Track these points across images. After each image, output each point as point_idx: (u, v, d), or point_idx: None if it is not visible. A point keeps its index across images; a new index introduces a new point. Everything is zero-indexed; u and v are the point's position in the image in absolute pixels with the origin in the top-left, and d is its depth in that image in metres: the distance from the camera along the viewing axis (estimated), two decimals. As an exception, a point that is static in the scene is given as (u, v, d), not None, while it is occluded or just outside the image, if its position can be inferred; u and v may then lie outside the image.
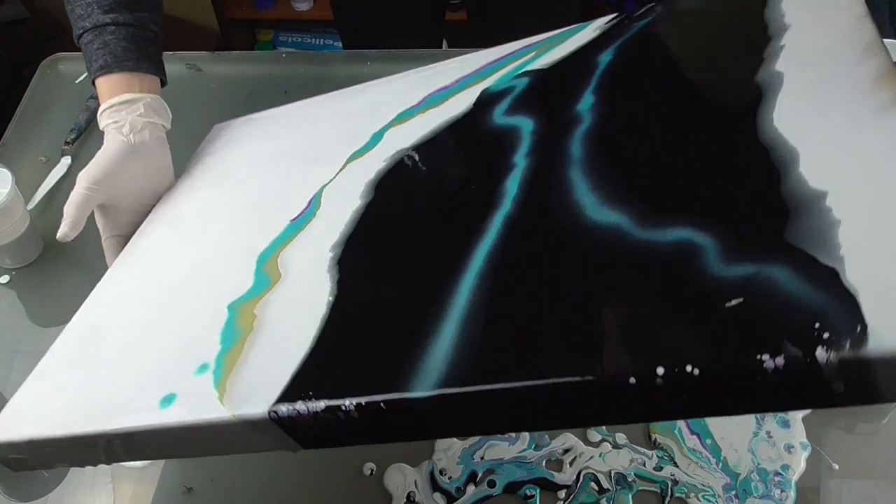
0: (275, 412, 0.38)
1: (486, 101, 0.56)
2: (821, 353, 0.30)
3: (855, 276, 0.32)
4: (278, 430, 0.39)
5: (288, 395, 0.39)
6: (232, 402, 0.40)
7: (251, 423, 0.39)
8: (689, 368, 0.32)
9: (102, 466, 0.60)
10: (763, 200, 0.38)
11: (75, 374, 0.48)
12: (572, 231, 0.41)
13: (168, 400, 0.42)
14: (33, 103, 0.91)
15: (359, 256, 0.47)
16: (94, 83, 0.65)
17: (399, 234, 0.48)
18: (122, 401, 0.44)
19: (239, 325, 0.45)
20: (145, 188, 0.64)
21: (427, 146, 0.54)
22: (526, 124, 0.51)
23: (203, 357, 0.43)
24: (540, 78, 0.55)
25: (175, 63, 0.93)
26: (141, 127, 0.63)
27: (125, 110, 0.63)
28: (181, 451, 0.43)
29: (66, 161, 0.84)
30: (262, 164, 0.63)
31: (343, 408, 0.37)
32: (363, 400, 0.37)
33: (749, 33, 0.48)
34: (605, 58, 0.53)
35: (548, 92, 0.54)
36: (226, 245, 0.54)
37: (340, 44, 1.10)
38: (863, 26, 0.42)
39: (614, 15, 0.57)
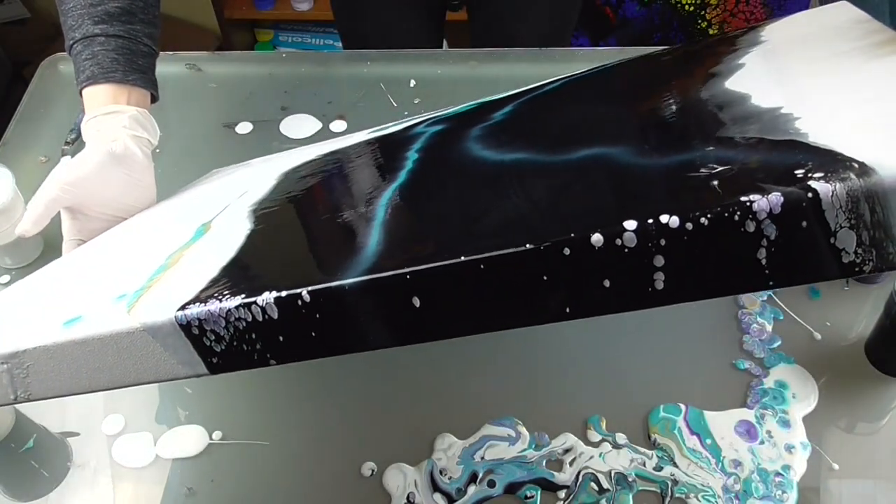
0: (183, 315, 0.34)
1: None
2: (821, 186, 0.25)
3: (823, 139, 0.27)
4: (185, 341, 0.35)
5: (199, 298, 0.35)
6: (138, 314, 0.37)
7: (154, 331, 0.35)
8: (664, 219, 0.27)
9: (103, 466, 0.60)
10: (692, 123, 0.34)
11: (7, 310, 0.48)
12: (476, 167, 0.40)
13: (73, 321, 0.39)
14: (33, 103, 0.91)
15: (277, 205, 0.48)
16: (80, 94, 0.63)
17: (311, 192, 0.50)
18: (29, 327, 0.41)
19: (167, 266, 0.43)
20: (120, 200, 0.62)
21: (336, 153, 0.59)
22: (433, 129, 0.54)
23: (126, 289, 0.41)
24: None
25: (175, 63, 0.93)
26: (124, 139, 0.61)
27: (109, 122, 0.62)
28: (76, 376, 0.39)
29: (66, 161, 0.84)
30: (222, 181, 0.67)
31: (260, 303, 0.33)
32: (283, 293, 0.33)
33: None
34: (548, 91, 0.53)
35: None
36: (178, 218, 0.56)
37: (340, 44, 1.10)
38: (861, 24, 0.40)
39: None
